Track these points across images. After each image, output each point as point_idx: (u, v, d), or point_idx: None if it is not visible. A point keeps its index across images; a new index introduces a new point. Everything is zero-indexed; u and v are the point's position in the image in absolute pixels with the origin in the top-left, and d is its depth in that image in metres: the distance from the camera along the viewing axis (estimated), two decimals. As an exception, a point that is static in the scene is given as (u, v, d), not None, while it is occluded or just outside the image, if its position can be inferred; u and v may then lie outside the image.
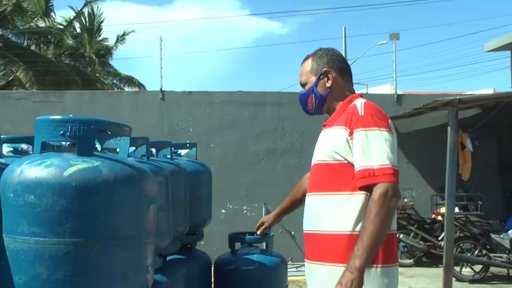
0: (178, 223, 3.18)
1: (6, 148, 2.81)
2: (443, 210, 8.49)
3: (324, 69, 2.60)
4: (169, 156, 3.69)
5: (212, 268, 3.78)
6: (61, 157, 1.77)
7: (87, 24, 25.53)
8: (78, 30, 25.88)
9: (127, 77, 26.22)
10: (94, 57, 24.51)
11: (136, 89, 24.07)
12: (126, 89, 24.85)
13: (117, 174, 1.72)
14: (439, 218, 9.29)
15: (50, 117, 1.86)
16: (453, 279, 7.89)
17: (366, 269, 2.24)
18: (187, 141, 3.90)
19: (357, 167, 2.33)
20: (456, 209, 9.15)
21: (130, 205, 1.74)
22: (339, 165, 2.42)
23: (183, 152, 3.84)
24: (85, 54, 24.60)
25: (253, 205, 10.25)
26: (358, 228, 2.34)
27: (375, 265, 2.34)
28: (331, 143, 2.47)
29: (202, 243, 10.64)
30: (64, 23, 24.68)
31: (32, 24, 21.27)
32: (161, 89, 10.48)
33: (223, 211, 10.29)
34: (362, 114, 2.40)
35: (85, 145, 1.79)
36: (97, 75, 25.23)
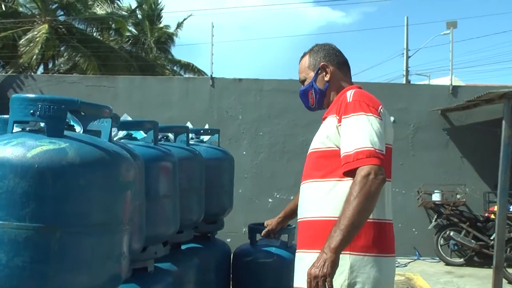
0: (190, 211, 3.08)
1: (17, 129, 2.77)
2: (497, 208, 8.09)
3: (322, 63, 2.61)
4: (192, 142, 3.62)
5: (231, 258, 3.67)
6: (30, 137, 1.68)
7: (148, 11, 25.86)
8: (139, 17, 26.26)
9: (187, 64, 26.41)
10: (153, 45, 24.80)
11: (196, 76, 24.21)
12: (186, 76, 25.04)
13: (84, 157, 1.61)
14: (493, 216, 8.86)
15: (23, 95, 1.78)
16: (505, 281, 7.54)
17: (355, 258, 2.22)
18: (208, 127, 3.77)
19: (342, 153, 2.31)
20: (511, 208, 8.72)
21: (99, 190, 1.64)
22: (330, 152, 2.40)
23: (206, 138, 3.73)
24: (145, 41, 24.92)
25: (300, 196, 10.07)
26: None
27: (363, 253, 2.26)
28: (324, 132, 2.45)
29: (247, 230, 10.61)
30: (126, 12, 25.09)
31: (95, 11, 21.70)
32: (211, 75, 10.44)
33: (270, 200, 10.19)
34: (350, 100, 2.39)
35: (55, 125, 1.69)
36: (158, 62, 25.54)
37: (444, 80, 19.68)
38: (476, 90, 9.43)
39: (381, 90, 10.27)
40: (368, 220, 2.22)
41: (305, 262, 2.29)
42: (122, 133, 2.75)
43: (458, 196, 9.37)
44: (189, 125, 3.91)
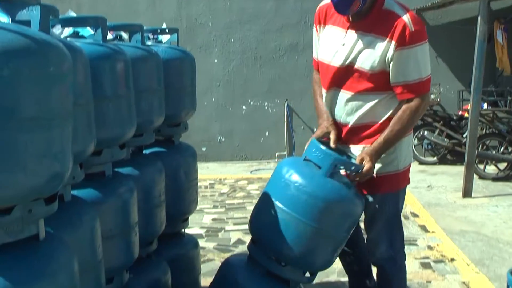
0: (149, 113, 2.96)
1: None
2: (470, 106, 8.11)
3: None
4: (150, 43, 3.44)
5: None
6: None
7: None
8: None
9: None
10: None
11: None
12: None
13: (6, 45, 1.43)
14: (466, 114, 8.89)
15: None
16: (476, 177, 7.68)
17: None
18: (166, 27, 3.56)
19: (403, 80, 2.76)
20: (485, 106, 8.75)
21: (26, 82, 1.48)
22: (381, 73, 2.77)
23: (164, 38, 3.54)
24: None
25: (274, 101, 10.02)
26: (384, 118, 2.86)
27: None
28: (377, 54, 2.74)
29: (223, 140, 10.63)
30: None
31: None
32: (178, -19, 10.05)
33: (244, 107, 10.11)
34: (413, 30, 2.69)
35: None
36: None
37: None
38: (452, -13, 9.19)
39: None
40: None
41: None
42: (68, 32, 2.57)
43: (432, 96, 9.33)
44: (164, 26, 3.70)
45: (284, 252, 2.73)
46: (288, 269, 2.80)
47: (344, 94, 2.90)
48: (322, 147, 2.73)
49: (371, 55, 2.77)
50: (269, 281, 2.83)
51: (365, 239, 3.24)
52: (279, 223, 2.71)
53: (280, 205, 2.71)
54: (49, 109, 1.57)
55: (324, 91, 3.04)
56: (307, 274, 2.91)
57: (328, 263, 2.86)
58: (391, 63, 2.74)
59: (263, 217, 2.87)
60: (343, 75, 2.87)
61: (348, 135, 2.96)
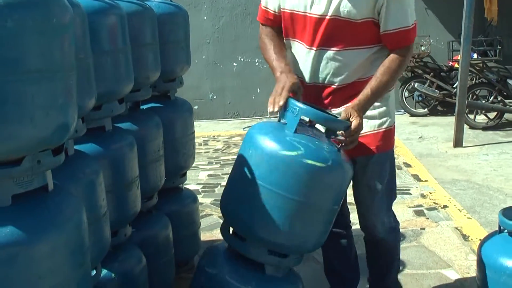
0: (145, 67, 2.97)
1: None
2: (460, 56, 8.14)
3: None
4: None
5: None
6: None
7: None
8: None
9: None
10: None
11: None
12: None
13: (10, -2, 1.48)
14: (456, 65, 8.93)
15: None
16: (467, 126, 7.76)
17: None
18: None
19: (392, 28, 2.47)
20: (475, 56, 8.78)
21: (30, 33, 1.49)
22: (369, 23, 2.49)
23: (157, -6, 3.52)
24: None
25: (265, 58, 9.98)
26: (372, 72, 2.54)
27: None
28: (369, 3, 2.45)
29: (215, 97, 10.62)
30: None
31: None
32: None
33: (234, 64, 10.09)
34: None
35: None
36: None
37: None
38: None
39: None
40: None
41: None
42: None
43: (422, 48, 9.34)
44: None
45: (260, 232, 2.28)
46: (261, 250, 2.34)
47: (327, 51, 2.53)
48: (299, 104, 2.24)
49: (359, 2, 2.42)
50: (251, 268, 2.39)
51: (361, 215, 2.83)
52: (253, 198, 2.25)
53: (251, 177, 2.26)
54: (53, 61, 1.59)
55: (297, 49, 2.66)
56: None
57: (316, 244, 2.41)
58: (382, 9, 2.43)
59: (235, 194, 2.43)
60: (324, 28, 2.49)
61: (331, 96, 2.61)
